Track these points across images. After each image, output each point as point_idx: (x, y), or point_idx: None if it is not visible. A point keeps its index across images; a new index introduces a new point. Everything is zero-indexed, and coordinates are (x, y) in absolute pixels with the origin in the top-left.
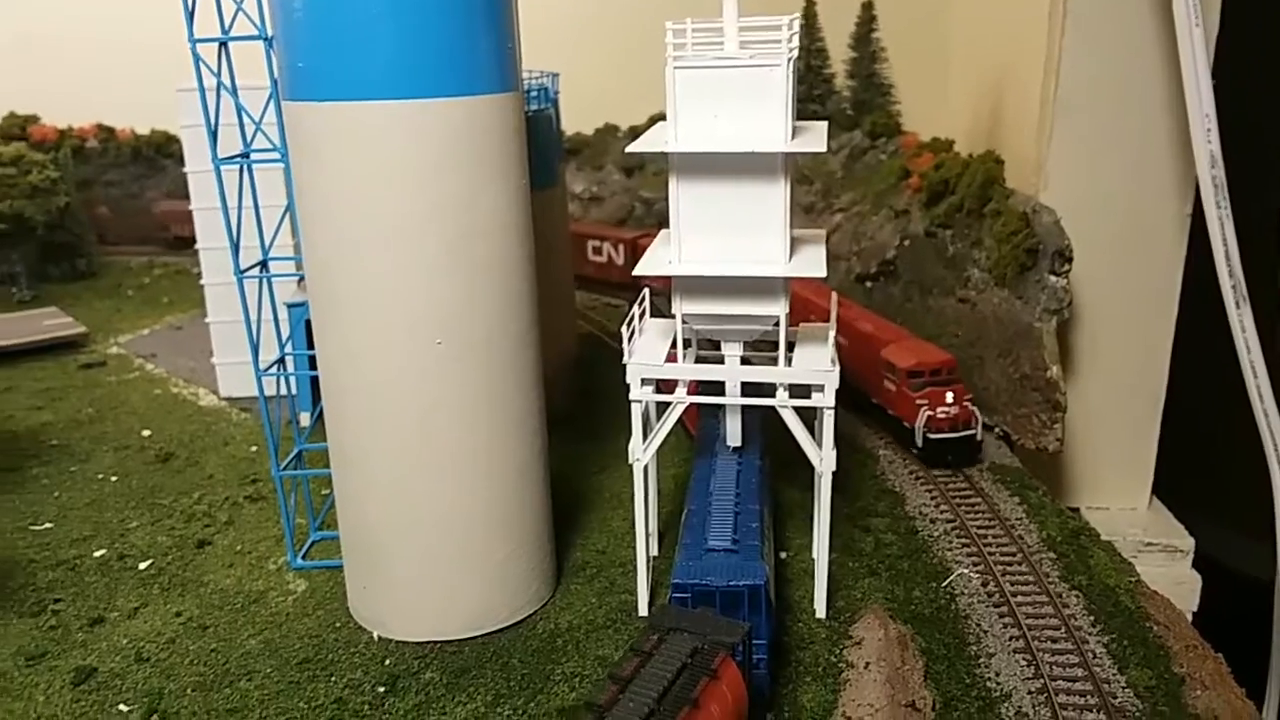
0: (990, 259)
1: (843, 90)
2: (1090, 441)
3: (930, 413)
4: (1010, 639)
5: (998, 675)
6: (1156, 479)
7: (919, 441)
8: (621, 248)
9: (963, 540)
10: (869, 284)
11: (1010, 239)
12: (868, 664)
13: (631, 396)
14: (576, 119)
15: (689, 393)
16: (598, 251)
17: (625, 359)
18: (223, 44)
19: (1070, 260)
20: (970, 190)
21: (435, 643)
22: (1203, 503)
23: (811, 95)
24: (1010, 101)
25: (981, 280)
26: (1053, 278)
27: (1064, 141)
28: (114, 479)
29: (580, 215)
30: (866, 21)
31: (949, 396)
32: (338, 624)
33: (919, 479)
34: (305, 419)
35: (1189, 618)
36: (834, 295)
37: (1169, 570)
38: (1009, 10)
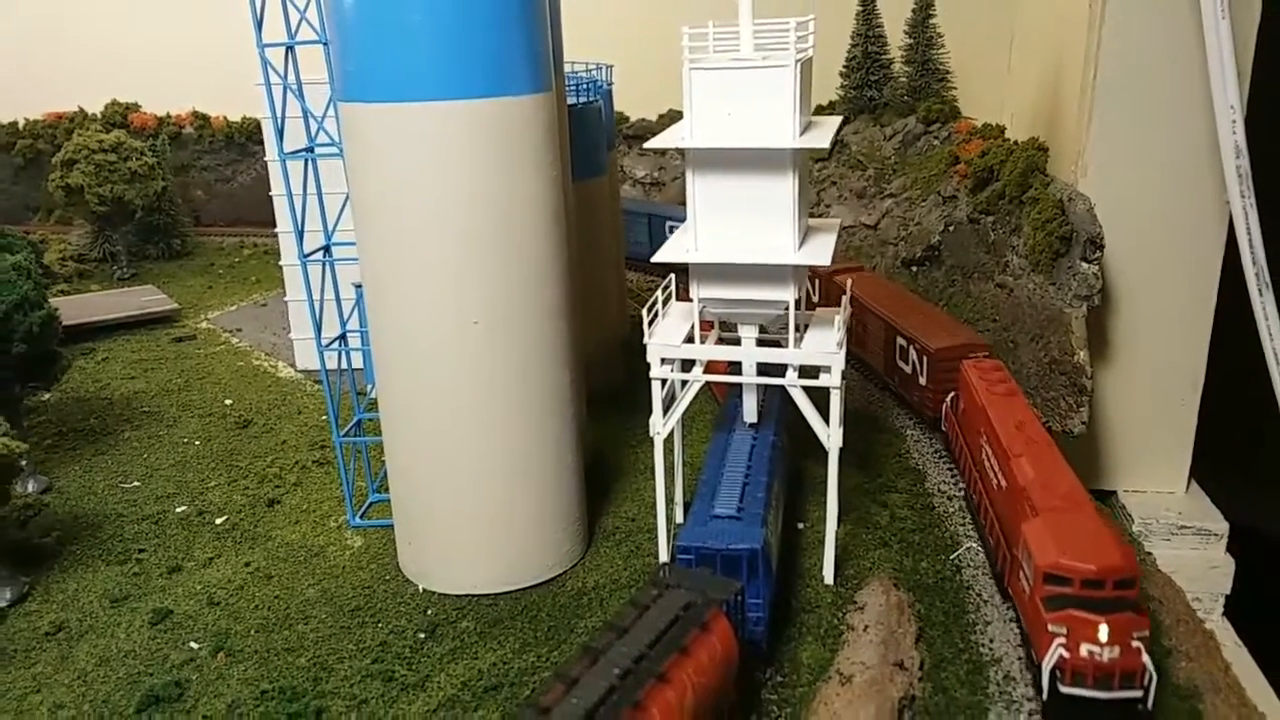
0: (1027, 245)
1: (900, 76)
2: (1128, 426)
3: (1066, 651)
4: (1008, 609)
5: (991, 642)
6: (1200, 464)
7: (1044, 687)
8: None
9: (976, 516)
10: (914, 269)
11: (1045, 226)
12: (866, 627)
13: (652, 374)
14: (640, 105)
15: (714, 371)
16: None
17: (646, 339)
18: (289, 48)
19: (1101, 248)
20: (1012, 177)
21: (473, 596)
22: (1244, 487)
23: (868, 81)
24: (1061, 89)
25: (1019, 266)
26: (1084, 264)
27: (1103, 130)
28: (197, 443)
29: (642, 199)
30: (924, 8)
31: (1102, 630)
32: (388, 577)
33: (941, 458)
34: (371, 390)
35: (1222, 600)
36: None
37: (1202, 553)
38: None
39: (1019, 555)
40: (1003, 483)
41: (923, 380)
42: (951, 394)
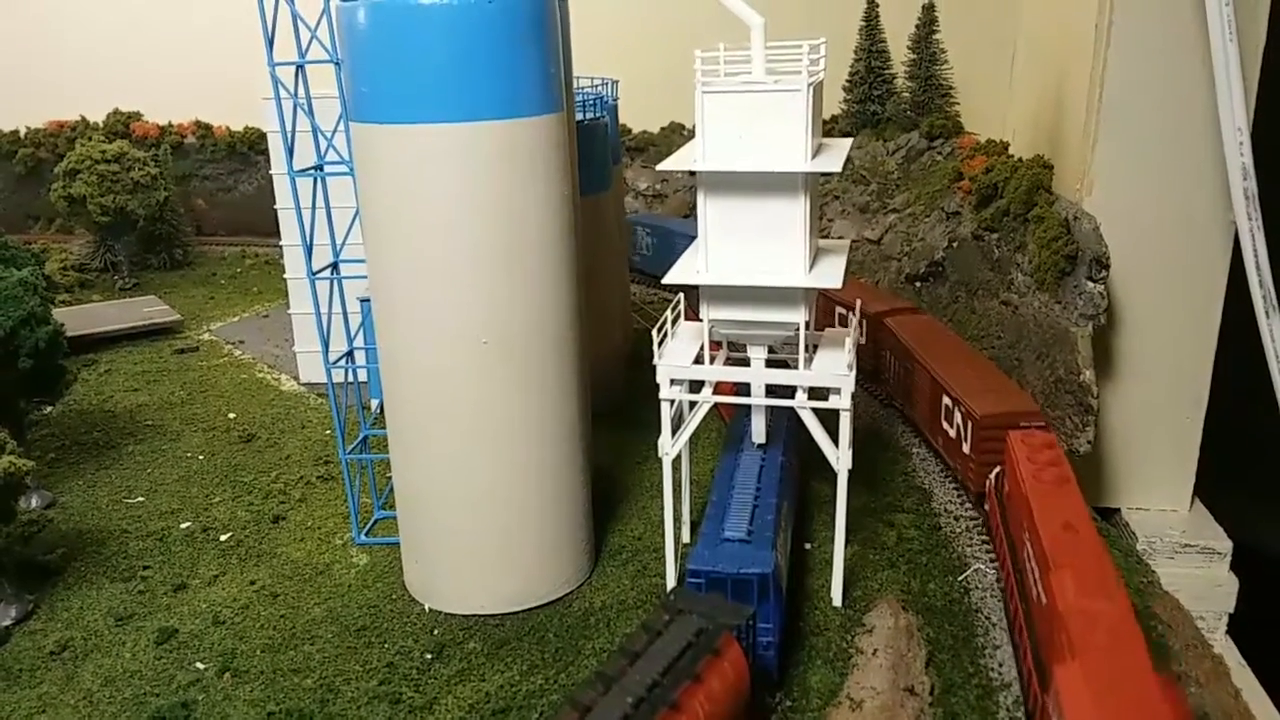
0: (1032, 263)
1: (903, 91)
2: (1132, 444)
3: None
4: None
5: (1000, 666)
6: (1204, 482)
7: None
8: None
9: (983, 537)
10: (918, 284)
11: (1051, 245)
12: (876, 651)
13: (661, 395)
14: (642, 117)
15: (723, 392)
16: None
17: (656, 360)
18: (299, 67)
19: (1107, 267)
20: (1016, 195)
21: (480, 616)
22: (1248, 505)
23: (871, 96)
24: (1066, 108)
25: (1024, 284)
26: (1090, 284)
27: (1108, 149)
28: (201, 457)
29: (643, 211)
30: (927, 24)
31: None
32: (394, 596)
33: (948, 477)
34: (376, 405)
35: (1225, 619)
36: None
37: (1206, 572)
38: (1066, 17)
39: (1050, 706)
40: (1042, 598)
41: (966, 448)
42: (997, 469)
